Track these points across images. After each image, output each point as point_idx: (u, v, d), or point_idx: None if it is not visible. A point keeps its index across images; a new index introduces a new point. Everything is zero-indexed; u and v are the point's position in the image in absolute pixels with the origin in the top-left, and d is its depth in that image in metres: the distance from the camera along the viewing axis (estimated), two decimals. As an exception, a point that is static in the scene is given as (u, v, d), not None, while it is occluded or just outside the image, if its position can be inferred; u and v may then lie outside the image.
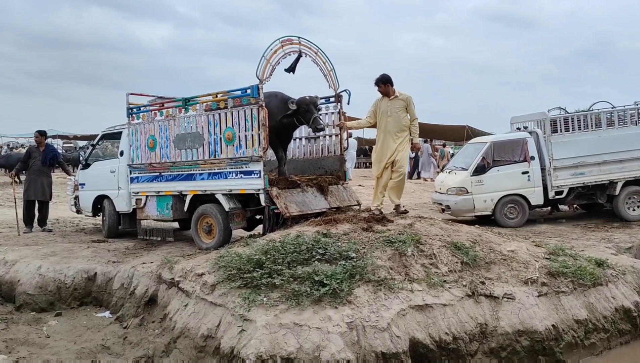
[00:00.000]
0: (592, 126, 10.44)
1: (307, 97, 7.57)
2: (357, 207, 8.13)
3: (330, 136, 8.72)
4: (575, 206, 11.86)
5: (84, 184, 10.11)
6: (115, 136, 9.75)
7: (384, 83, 7.35)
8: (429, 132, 26.63)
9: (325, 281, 5.00)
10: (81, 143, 35.99)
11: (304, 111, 7.48)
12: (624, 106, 10.77)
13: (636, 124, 10.52)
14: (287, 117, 7.54)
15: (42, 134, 10.89)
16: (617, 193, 10.27)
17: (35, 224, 10.59)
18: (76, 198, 10.35)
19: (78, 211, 10.47)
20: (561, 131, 10.43)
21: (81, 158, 10.40)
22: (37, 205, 10.58)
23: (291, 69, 7.85)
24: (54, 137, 36.74)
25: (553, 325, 5.24)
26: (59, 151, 30.83)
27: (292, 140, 9.03)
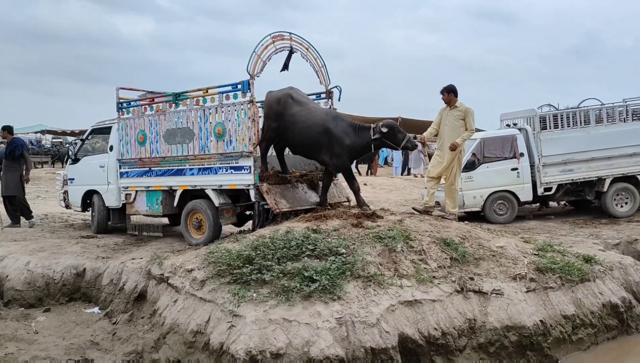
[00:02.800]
0: (581, 123, 10.51)
1: (392, 120, 7.32)
2: (347, 203, 8.15)
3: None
4: (564, 202, 11.96)
5: (73, 179, 10.04)
6: (104, 130, 9.67)
7: (448, 92, 7.45)
8: (420, 128, 26.70)
9: (314, 277, 5.01)
10: (70, 139, 35.69)
11: (395, 133, 7.17)
12: (613, 104, 10.86)
13: (624, 122, 10.60)
14: (375, 141, 7.19)
15: (4, 129, 10.62)
16: (605, 189, 10.36)
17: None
18: (65, 193, 10.28)
19: (67, 207, 10.40)
20: (550, 128, 10.50)
21: (70, 153, 10.28)
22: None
23: (285, 66, 7.88)
24: (42, 132, 36.37)
25: (541, 321, 5.29)
26: (31, 143, 30.51)
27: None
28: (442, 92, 7.48)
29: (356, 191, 7.47)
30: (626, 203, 10.45)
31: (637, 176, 10.41)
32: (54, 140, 36.00)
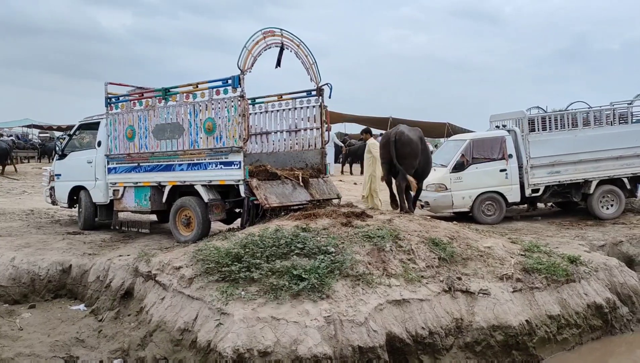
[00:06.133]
0: (568, 125, 10.60)
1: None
2: (337, 201, 8.15)
3: (311, 129, 8.72)
4: (550, 204, 12.06)
5: (59, 174, 9.92)
6: (92, 126, 9.58)
7: (364, 133, 11.11)
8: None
9: (303, 276, 5.00)
10: (58, 133, 35.28)
11: None
12: (600, 107, 10.97)
13: (611, 125, 10.71)
14: None
15: None
16: (591, 191, 10.46)
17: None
18: (52, 188, 10.14)
19: (53, 203, 10.27)
20: (539, 130, 10.57)
21: (57, 148, 10.17)
22: None
23: (278, 63, 7.89)
24: (29, 126, 35.93)
25: (527, 321, 5.34)
26: (17, 137, 30.18)
27: (274, 133, 9.09)
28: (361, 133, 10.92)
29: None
30: (612, 205, 10.56)
31: (623, 178, 10.53)
32: (41, 135, 35.61)
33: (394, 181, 8.14)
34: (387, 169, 8.18)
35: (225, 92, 7.32)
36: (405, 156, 7.85)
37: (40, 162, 27.04)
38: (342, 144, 21.90)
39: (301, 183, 7.87)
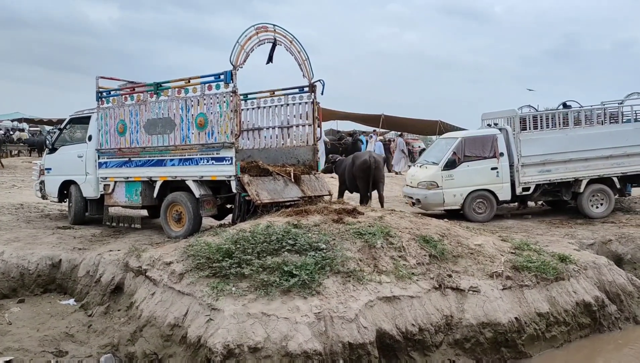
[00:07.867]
0: (559, 124, 10.67)
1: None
2: (329, 197, 8.16)
3: (303, 126, 8.71)
4: (541, 202, 12.14)
5: (50, 169, 9.85)
6: (83, 120, 9.51)
7: None
8: (403, 126, 26.77)
9: (294, 272, 5.01)
10: (48, 128, 34.95)
11: None
12: (591, 106, 11.04)
13: (602, 124, 10.79)
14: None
15: None
16: (581, 190, 10.53)
17: None
18: (42, 183, 10.07)
19: (43, 197, 10.19)
20: (530, 129, 10.63)
21: (48, 142, 10.09)
22: None
23: (269, 59, 7.87)
24: (20, 120, 35.59)
25: (516, 318, 5.37)
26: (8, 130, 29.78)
27: (266, 129, 9.08)
28: None
29: None
30: (601, 204, 10.63)
31: (613, 178, 10.61)
32: (32, 128, 35.32)
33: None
34: (368, 186, 10.05)
35: (218, 87, 7.30)
36: (383, 176, 10.48)
37: (30, 156, 26.80)
38: (327, 139, 21.87)
39: (293, 180, 7.87)
